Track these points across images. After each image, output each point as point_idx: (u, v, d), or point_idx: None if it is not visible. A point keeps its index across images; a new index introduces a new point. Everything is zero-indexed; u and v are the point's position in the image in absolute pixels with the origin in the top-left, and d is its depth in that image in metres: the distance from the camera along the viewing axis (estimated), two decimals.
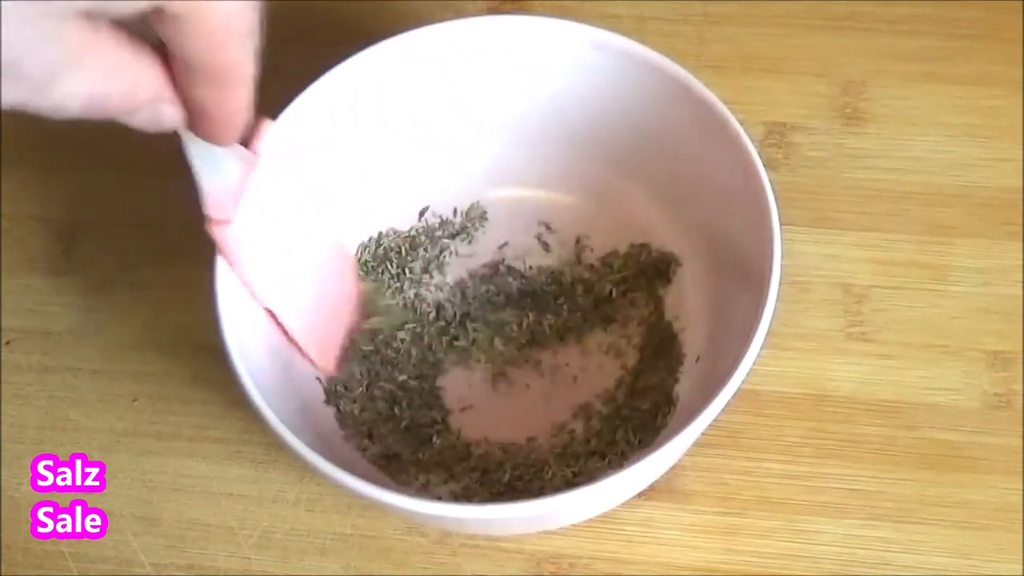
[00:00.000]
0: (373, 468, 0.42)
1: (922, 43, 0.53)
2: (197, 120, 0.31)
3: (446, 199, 0.48)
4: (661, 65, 0.42)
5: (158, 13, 0.27)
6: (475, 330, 0.45)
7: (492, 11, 0.55)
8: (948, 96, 0.51)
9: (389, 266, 0.46)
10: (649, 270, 0.46)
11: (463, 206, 0.48)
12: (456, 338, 0.45)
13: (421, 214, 0.48)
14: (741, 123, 0.40)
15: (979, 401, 0.45)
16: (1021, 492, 0.43)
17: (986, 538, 0.42)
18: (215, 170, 0.36)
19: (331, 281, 0.44)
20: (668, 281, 0.46)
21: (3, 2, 0.24)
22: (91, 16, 0.26)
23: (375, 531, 0.43)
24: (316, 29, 0.54)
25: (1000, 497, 0.43)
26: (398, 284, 0.46)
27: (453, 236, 0.48)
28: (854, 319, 0.46)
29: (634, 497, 0.41)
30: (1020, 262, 0.47)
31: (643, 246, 0.46)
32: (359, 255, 0.47)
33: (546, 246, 0.47)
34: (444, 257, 0.47)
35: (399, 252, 0.47)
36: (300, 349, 0.42)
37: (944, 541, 0.42)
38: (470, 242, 0.47)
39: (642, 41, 0.42)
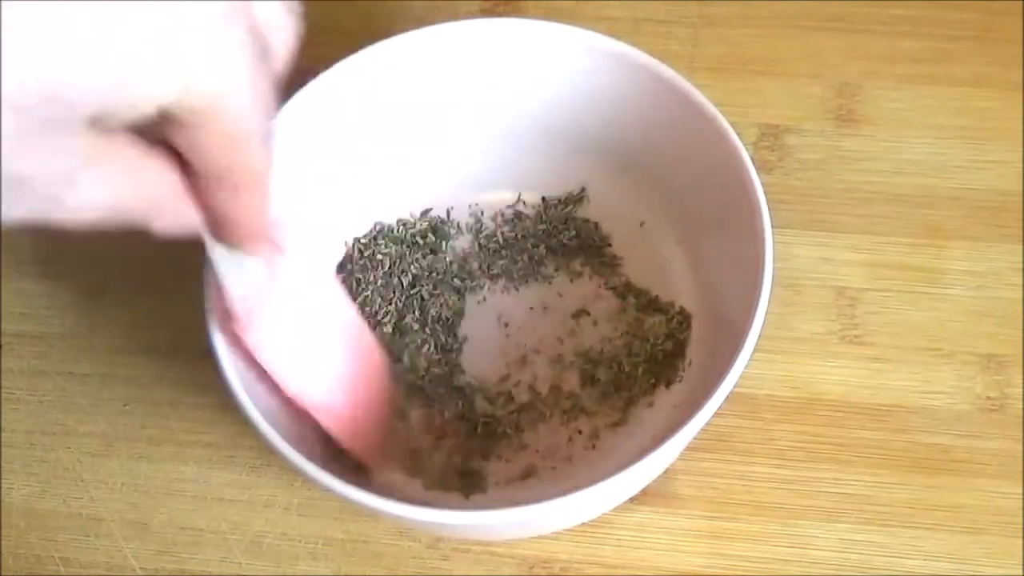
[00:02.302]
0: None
1: (917, 45, 0.53)
2: (217, 225, 0.31)
3: (440, 201, 0.48)
4: (653, 68, 0.42)
5: (168, 119, 0.26)
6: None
7: (486, 13, 0.54)
8: (943, 98, 0.51)
9: (383, 267, 0.46)
10: (674, 333, 0.44)
11: (457, 208, 0.48)
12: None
13: (423, 214, 0.48)
14: (735, 125, 0.40)
15: (972, 405, 0.44)
16: (1014, 496, 0.43)
17: (978, 542, 0.42)
18: (239, 273, 0.35)
19: (363, 372, 0.42)
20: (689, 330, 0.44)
21: (2, 116, 0.23)
22: (100, 123, 0.25)
23: (367, 536, 0.43)
24: (308, 32, 0.53)
25: (992, 501, 0.43)
26: (393, 285, 0.46)
27: (448, 238, 0.47)
28: (847, 322, 0.46)
29: (626, 501, 0.41)
30: (1014, 265, 0.47)
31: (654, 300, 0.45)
32: (352, 256, 0.47)
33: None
34: (438, 259, 0.47)
35: (392, 255, 0.46)
36: (343, 443, 0.40)
37: (936, 545, 0.42)
38: (446, 246, 0.47)
39: (636, 43, 0.42)
